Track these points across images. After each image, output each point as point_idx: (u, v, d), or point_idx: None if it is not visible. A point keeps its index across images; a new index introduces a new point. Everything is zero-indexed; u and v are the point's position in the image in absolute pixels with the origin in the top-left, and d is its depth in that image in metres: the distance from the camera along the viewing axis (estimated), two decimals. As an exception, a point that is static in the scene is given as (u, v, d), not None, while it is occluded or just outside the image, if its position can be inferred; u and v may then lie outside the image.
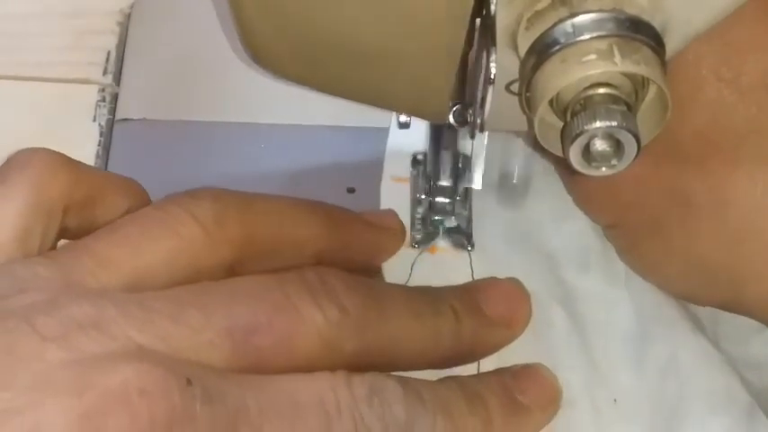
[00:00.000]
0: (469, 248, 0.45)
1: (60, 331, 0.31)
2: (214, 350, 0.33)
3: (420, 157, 0.47)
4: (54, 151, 0.37)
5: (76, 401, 0.29)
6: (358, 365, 0.35)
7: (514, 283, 0.42)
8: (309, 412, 0.33)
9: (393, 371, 0.36)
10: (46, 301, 0.32)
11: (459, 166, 0.45)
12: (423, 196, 0.45)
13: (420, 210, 0.45)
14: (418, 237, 0.45)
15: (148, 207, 0.37)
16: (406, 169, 0.47)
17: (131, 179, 0.40)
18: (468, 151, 0.46)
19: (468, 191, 0.45)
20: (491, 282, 0.42)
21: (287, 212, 0.40)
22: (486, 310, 0.40)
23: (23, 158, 0.36)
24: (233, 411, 0.31)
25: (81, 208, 0.37)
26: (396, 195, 0.46)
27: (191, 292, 0.34)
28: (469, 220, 0.45)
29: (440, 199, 0.45)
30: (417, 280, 0.43)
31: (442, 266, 0.44)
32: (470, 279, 0.44)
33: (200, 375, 0.31)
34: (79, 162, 0.37)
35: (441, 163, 0.45)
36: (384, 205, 0.46)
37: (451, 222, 0.45)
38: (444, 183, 0.45)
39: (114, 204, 0.38)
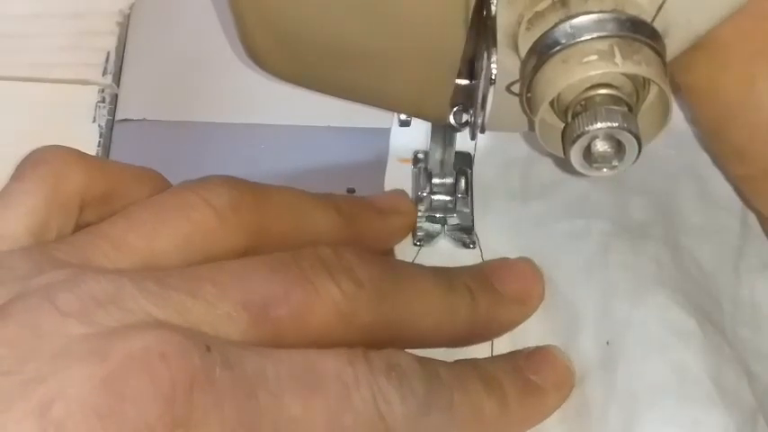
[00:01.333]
0: (471, 246, 0.45)
1: (79, 307, 0.31)
2: (231, 323, 0.33)
3: (420, 155, 0.47)
4: (70, 148, 0.37)
5: (98, 367, 0.30)
6: (374, 339, 0.35)
7: (527, 262, 0.42)
8: (329, 382, 0.33)
9: (409, 347, 0.37)
10: (64, 280, 0.32)
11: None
12: (424, 194, 0.45)
13: (421, 207, 0.45)
14: (420, 234, 0.45)
15: (164, 193, 0.38)
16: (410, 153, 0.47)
17: (149, 168, 0.40)
18: (469, 149, 0.46)
19: (470, 188, 0.45)
20: (504, 261, 0.42)
21: (301, 204, 0.40)
22: (500, 288, 0.41)
23: (39, 155, 0.37)
24: (252, 378, 0.32)
25: (100, 202, 0.37)
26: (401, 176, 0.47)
27: (207, 268, 0.35)
28: (472, 218, 0.45)
29: (440, 197, 0.45)
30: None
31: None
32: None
33: (220, 344, 0.32)
34: (96, 157, 0.38)
35: (441, 160, 0.45)
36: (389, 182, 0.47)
37: (454, 220, 0.45)
38: (445, 180, 0.45)
39: (134, 195, 0.38)
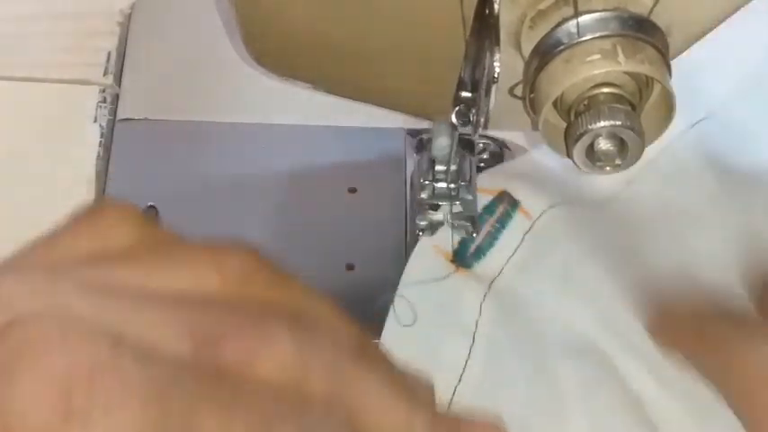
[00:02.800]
0: (474, 234, 0.45)
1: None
2: (168, 345, 0.31)
3: (425, 139, 0.47)
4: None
5: None
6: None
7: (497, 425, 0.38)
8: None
9: None
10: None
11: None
12: (426, 181, 0.45)
13: (424, 195, 0.45)
14: (422, 224, 0.45)
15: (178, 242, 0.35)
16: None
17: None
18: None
19: (471, 175, 0.45)
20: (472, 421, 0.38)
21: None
22: None
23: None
24: (169, 382, 0.28)
25: None
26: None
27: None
28: (474, 205, 0.45)
29: (442, 184, 0.45)
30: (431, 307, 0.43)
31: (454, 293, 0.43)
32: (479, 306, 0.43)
33: (138, 344, 0.29)
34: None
35: (444, 147, 0.44)
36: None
37: (456, 208, 0.45)
38: (444, 167, 0.45)
39: None
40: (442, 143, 0.44)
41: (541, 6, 0.34)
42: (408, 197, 0.48)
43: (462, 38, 0.36)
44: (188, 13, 0.54)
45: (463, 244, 0.44)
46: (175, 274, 0.32)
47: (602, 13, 0.33)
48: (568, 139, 0.34)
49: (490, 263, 0.43)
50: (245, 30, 0.40)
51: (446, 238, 0.44)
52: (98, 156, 0.49)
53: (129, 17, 0.54)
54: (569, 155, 0.34)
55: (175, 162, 0.50)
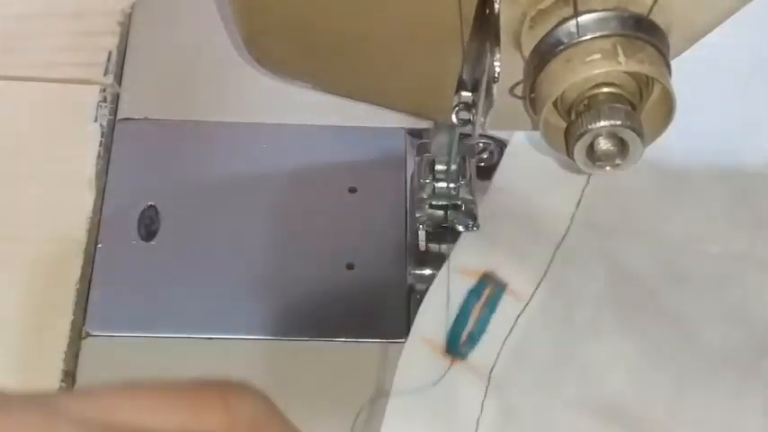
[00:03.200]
0: (475, 228, 0.45)
1: None
2: None
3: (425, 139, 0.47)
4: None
5: None
6: None
7: None
8: None
9: None
10: None
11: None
12: (426, 181, 0.45)
13: (424, 194, 0.45)
14: (421, 216, 0.45)
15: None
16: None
17: None
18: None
19: (471, 175, 0.46)
20: None
21: None
22: None
23: None
24: None
25: None
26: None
27: None
28: (473, 203, 0.45)
29: (442, 184, 0.45)
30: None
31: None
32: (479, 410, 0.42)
33: None
34: None
35: (444, 147, 0.45)
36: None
37: (457, 207, 0.45)
38: (444, 167, 0.45)
39: None
40: (441, 143, 0.44)
41: (542, 6, 0.34)
42: (408, 197, 0.48)
43: (464, 38, 0.36)
44: (188, 12, 0.54)
45: (454, 332, 0.42)
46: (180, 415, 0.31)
47: (602, 13, 0.33)
48: (568, 139, 0.34)
49: (484, 350, 0.42)
50: (244, 29, 0.40)
51: (437, 330, 0.42)
52: (98, 155, 0.49)
53: (129, 17, 0.54)
54: (569, 154, 0.34)
55: (175, 162, 0.50)
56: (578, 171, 0.35)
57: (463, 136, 0.44)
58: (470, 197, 0.45)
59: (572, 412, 0.41)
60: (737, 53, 0.49)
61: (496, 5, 0.34)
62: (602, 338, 0.43)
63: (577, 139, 0.33)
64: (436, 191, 0.45)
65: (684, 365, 0.43)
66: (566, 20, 0.33)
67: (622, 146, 0.33)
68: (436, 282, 0.43)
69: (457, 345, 0.42)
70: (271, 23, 0.38)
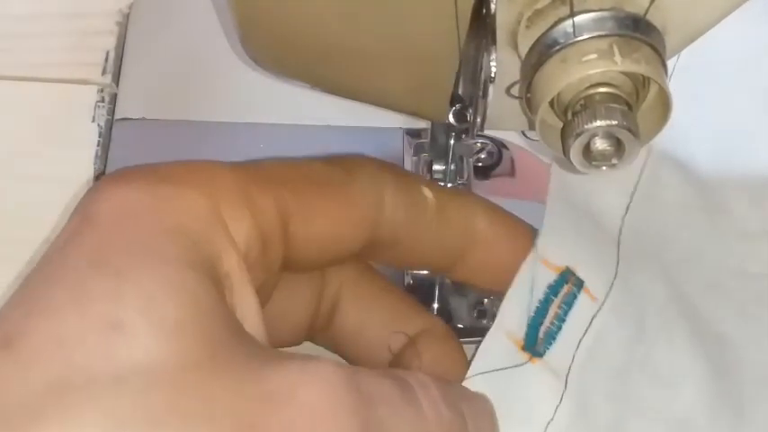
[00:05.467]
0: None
1: None
2: None
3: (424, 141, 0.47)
4: None
5: None
6: None
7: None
8: None
9: None
10: None
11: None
12: None
13: None
14: None
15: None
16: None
17: None
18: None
19: (468, 175, 0.46)
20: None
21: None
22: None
23: None
24: None
25: None
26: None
27: None
28: None
29: (440, 185, 0.45)
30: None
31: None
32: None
33: None
34: None
35: (442, 147, 0.45)
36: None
37: None
38: (442, 166, 0.45)
39: None
40: (439, 143, 0.44)
41: (538, 6, 0.34)
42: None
43: (461, 38, 0.36)
44: (187, 12, 0.54)
45: (532, 327, 0.40)
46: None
47: (599, 13, 0.33)
48: (565, 139, 0.34)
49: (561, 350, 0.40)
50: (242, 29, 0.40)
51: (519, 324, 0.40)
52: (96, 155, 0.49)
53: (127, 17, 0.54)
54: (566, 154, 0.34)
55: (174, 162, 0.50)
56: (576, 171, 0.35)
57: (461, 136, 0.44)
58: None
59: (644, 421, 0.40)
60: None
61: (493, 5, 0.34)
62: (674, 346, 0.41)
63: (574, 139, 0.33)
64: None
65: (744, 384, 0.41)
66: (562, 20, 0.33)
67: (619, 146, 0.33)
68: (519, 275, 0.40)
69: (534, 341, 0.40)
70: (268, 25, 0.38)
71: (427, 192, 0.39)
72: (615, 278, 0.42)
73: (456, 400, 0.34)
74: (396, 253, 0.39)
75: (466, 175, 0.46)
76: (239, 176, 0.33)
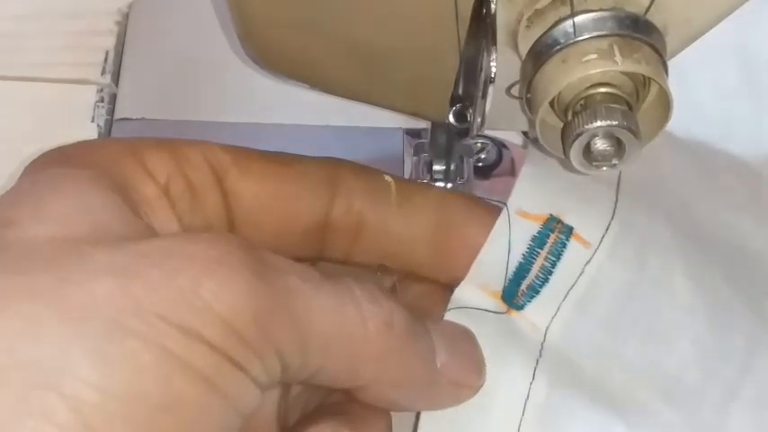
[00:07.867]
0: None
1: None
2: None
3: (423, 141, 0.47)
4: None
5: None
6: None
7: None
8: None
9: None
10: None
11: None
12: (425, 181, 0.46)
13: None
14: None
15: None
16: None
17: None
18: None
19: (468, 175, 0.46)
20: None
21: None
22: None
23: None
24: None
25: None
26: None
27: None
28: None
29: (439, 184, 0.46)
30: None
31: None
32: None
33: None
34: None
35: (442, 147, 0.45)
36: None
37: None
38: (442, 166, 0.45)
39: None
40: (439, 143, 0.44)
41: (538, 6, 0.34)
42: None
43: (461, 38, 0.36)
44: (186, 12, 0.54)
45: (514, 281, 0.39)
46: None
47: (599, 13, 0.33)
48: (565, 139, 0.34)
49: (545, 302, 0.38)
50: (241, 29, 0.40)
51: (496, 280, 0.39)
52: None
53: (126, 16, 0.54)
54: (566, 155, 0.34)
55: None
56: (576, 171, 0.35)
57: (461, 136, 0.44)
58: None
59: (630, 381, 0.38)
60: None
61: (493, 5, 0.33)
62: (673, 293, 0.39)
63: (574, 140, 0.33)
64: None
65: (754, 336, 0.40)
66: (562, 20, 0.33)
67: (619, 146, 0.33)
68: (495, 230, 0.39)
69: (514, 295, 0.39)
70: (268, 25, 0.38)
71: (389, 179, 0.40)
72: (612, 220, 0.40)
73: (417, 319, 0.35)
74: (367, 243, 0.39)
75: (466, 175, 0.46)
76: (167, 138, 0.37)
